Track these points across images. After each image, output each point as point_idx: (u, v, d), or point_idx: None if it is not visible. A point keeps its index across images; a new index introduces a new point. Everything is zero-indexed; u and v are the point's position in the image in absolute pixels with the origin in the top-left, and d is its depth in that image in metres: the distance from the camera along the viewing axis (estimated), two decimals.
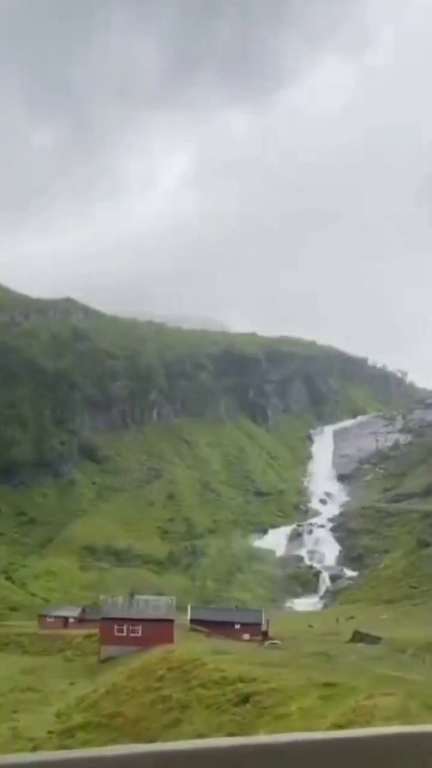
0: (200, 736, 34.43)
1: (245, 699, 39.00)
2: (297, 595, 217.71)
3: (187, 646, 64.07)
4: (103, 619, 78.76)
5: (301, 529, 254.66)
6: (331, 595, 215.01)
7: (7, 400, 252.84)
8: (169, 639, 70.87)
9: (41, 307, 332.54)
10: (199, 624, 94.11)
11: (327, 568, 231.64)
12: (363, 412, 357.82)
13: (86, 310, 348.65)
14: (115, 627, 76.01)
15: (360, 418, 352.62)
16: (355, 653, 67.07)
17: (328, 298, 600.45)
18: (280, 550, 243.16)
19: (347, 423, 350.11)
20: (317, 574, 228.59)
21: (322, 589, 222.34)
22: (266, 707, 36.76)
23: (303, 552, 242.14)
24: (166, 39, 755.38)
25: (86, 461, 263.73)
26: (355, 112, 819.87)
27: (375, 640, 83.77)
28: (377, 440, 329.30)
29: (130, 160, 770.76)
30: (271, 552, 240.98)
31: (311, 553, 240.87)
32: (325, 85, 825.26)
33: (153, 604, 79.81)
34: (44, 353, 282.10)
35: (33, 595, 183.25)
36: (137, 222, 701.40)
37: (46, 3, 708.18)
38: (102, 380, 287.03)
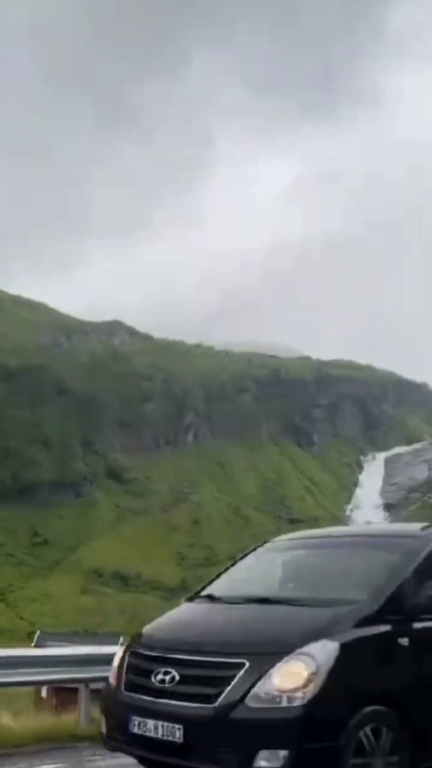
0: None
1: None
2: None
3: None
4: None
5: None
6: None
7: (31, 420, 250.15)
8: None
9: (86, 329, 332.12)
10: None
11: None
12: (419, 439, 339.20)
13: (132, 333, 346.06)
14: None
15: (415, 445, 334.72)
16: None
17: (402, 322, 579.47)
18: None
19: (401, 449, 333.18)
20: None
21: None
22: None
23: None
24: (247, 65, 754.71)
25: (111, 483, 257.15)
26: None
27: None
28: (430, 468, 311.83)
29: (212, 187, 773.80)
30: None
31: None
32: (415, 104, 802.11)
33: None
34: (77, 375, 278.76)
35: (21, 618, 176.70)
36: (220, 249, 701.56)
37: (125, 36, 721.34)
38: (135, 402, 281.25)
